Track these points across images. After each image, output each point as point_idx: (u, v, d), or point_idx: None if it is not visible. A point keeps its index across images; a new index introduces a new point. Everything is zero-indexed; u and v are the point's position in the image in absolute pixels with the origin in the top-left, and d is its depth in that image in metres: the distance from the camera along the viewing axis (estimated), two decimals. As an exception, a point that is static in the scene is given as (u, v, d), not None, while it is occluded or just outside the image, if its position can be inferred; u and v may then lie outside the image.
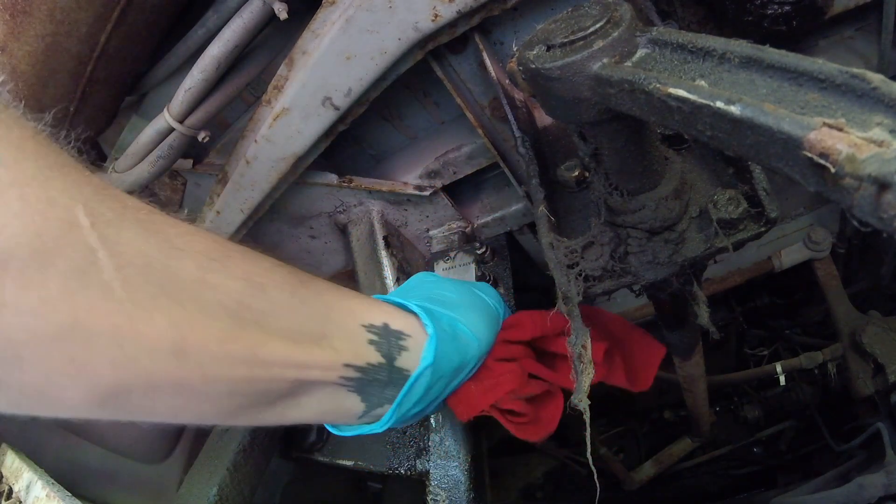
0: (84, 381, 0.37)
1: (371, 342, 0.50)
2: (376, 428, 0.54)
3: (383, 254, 1.05)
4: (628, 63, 0.39)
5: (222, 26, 0.78)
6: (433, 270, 1.06)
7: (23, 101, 0.78)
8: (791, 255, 1.27)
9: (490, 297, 0.69)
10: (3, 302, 0.32)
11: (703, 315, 0.71)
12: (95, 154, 1.19)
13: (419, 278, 0.72)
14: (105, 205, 0.37)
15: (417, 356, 0.53)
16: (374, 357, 0.50)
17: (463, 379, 0.60)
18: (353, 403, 0.51)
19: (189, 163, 1.09)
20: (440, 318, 0.57)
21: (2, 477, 0.95)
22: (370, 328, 0.51)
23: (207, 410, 0.44)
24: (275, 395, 0.46)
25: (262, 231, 1.15)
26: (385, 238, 1.06)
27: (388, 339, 0.52)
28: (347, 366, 0.48)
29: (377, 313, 0.53)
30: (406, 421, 0.57)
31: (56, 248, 0.34)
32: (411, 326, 0.55)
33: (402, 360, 0.52)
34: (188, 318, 0.39)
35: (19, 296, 0.33)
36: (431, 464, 0.87)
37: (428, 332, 0.55)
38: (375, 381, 0.51)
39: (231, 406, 0.44)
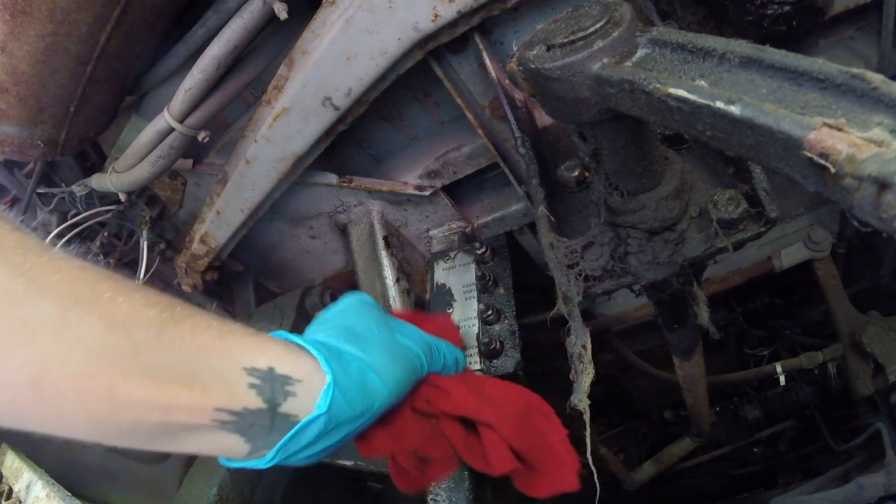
0: None
1: (252, 385, 0.48)
2: (261, 464, 0.51)
3: (383, 254, 1.05)
4: (628, 63, 0.39)
5: (222, 26, 0.78)
6: (434, 270, 1.06)
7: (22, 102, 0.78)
8: (791, 255, 1.27)
9: (415, 344, 0.63)
10: None
11: (703, 315, 0.71)
12: (95, 154, 1.19)
13: (348, 303, 0.65)
14: None
15: (309, 402, 0.51)
16: (254, 402, 0.48)
17: (367, 422, 0.57)
18: (236, 443, 0.49)
19: (189, 163, 1.09)
20: (348, 363, 0.54)
21: (2, 477, 0.95)
22: (252, 371, 0.49)
23: (81, 436, 0.46)
24: (146, 433, 0.46)
25: (262, 231, 1.15)
26: (385, 238, 1.06)
27: (271, 384, 0.49)
28: (220, 409, 0.47)
29: (263, 356, 0.50)
30: (302, 461, 0.54)
31: None
32: (304, 370, 0.51)
33: (289, 406, 0.50)
34: (46, 354, 0.41)
35: None
36: (431, 464, 0.87)
37: (326, 379, 0.51)
38: (256, 425, 0.49)
39: (101, 437, 0.46)
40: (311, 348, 0.53)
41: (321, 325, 0.61)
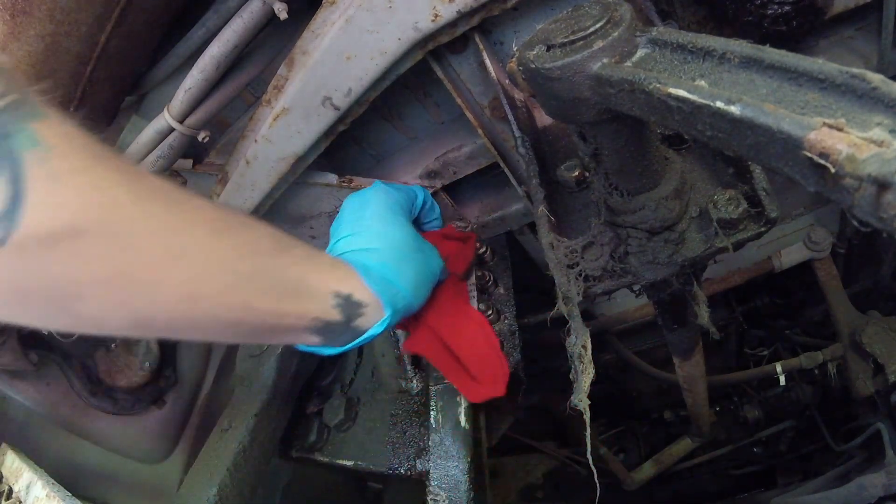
0: (125, 314, 0.52)
1: (336, 305, 0.66)
2: (331, 352, 0.71)
3: (383, 254, 1.05)
4: (628, 63, 0.39)
5: (222, 26, 0.78)
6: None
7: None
8: (791, 255, 1.27)
9: (432, 254, 0.84)
10: (74, 257, 0.45)
11: (703, 315, 0.71)
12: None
13: (378, 210, 0.82)
14: (137, 184, 0.50)
15: (371, 320, 0.70)
16: (337, 316, 0.66)
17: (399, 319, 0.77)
18: (316, 339, 0.68)
19: (189, 163, 1.09)
20: (395, 299, 0.72)
21: (2, 477, 0.95)
22: (337, 295, 0.66)
23: (209, 335, 0.62)
24: (261, 331, 0.63)
25: (262, 231, 1.15)
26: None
27: (349, 306, 0.67)
28: (315, 318, 0.64)
29: (346, 284, 0.67)
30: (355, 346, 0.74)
31: (108, 221, 0.46)
32: (370, 299, 0.69)
33: (358, 322, 0.69)
34: (199, 275, 0.53)
35: (86, 255, 0.46)
36: (431, 464, 0.87)
37: (385, 313, 0.70)
38: (335, 331, 0.67)
39: (226, 334, 0.62)
40: (376, 288, 0.69)
41: (360, 235, 0.78)
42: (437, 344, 0.84)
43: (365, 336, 0.70)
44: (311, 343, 0.69)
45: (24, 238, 0.43)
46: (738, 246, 0.57)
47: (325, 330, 0.67)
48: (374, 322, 0.70)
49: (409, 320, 0.85)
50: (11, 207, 0.42)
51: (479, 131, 0.86)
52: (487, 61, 0.76)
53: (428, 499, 0.84)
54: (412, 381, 1.09)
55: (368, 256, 0.74)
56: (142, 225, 0.49)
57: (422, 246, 0.82)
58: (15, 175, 0.42)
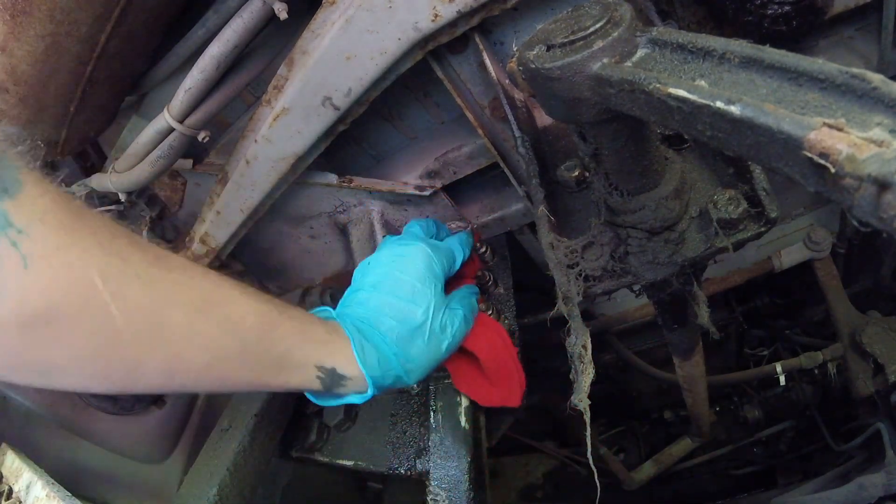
0: (108, 385, 0.55)
1: (318, 377, 0.67)
2: (313, 399, 0.73)
3: (383, 254, 1.05)
4: (628, 63, 0.39)
5: (222, 26, 0.78)
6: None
7: (24, 111, 0.78)
8: (791, 255, 1.27)
9: (453, 321, 0.80)
10: (51, 340, 0.47)
11: (703, 315, 0.71)
12: (95, 154, 1.19)
13: (404, 276, 0.78)
14: (113, 265, 0.50)
15: (352, 390, 0.71)
16: (318, 387, 0.68)
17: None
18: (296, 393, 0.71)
19: (189, 163, 1.09)
20: (385, 377, 0.72)
21: (2, 477, 0.95)
22: (321, 368, 0.67)
23: (194, 392, 0.63)
24: (243, 392, 0.65)
25: (262, 231, 1.15)
26: (388, 236, 1.06)
27: (332, 377, 0.68)
28: (296, 387, 0.67)
29: (330, 358, 0.68)
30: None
31: (82, 305, 0.47)
32: (355, 373, 0.69)
33: (340, 390, 0.70)
34: (177, 355, 0.55)
35: (63, 338, 0.47)
36: (431, 464, 0.87)
37: (368, 391, 0.71)
38: (315, 393, 0.71)
39: (210, 392, 0.62)
40: (367, 367, 0.69)
41: (383, 295, 0.76)
42: (473, 374, 0.85)
43: (345, 401, 0.72)
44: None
45: (0, 322, 0.44)
46: (738, 246, 0.57)
47: (306, 392, 0.71)
48: (356, 392, 0.72)
49: None
50: None
51: (479, 131, 0.86)
52: (487, 61, 0.76)
53: (428, 499, 0.84)
54: (412, 381, 1.09)
55: (377, 329, 0.73)
56: (117, 307, 0.49)
57: (445, 324, 0.78)
58: None
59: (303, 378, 0.66)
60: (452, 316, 0.79)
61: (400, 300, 0.75)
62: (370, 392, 0.71)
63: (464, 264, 0.92)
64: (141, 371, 0.53)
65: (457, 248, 0.89)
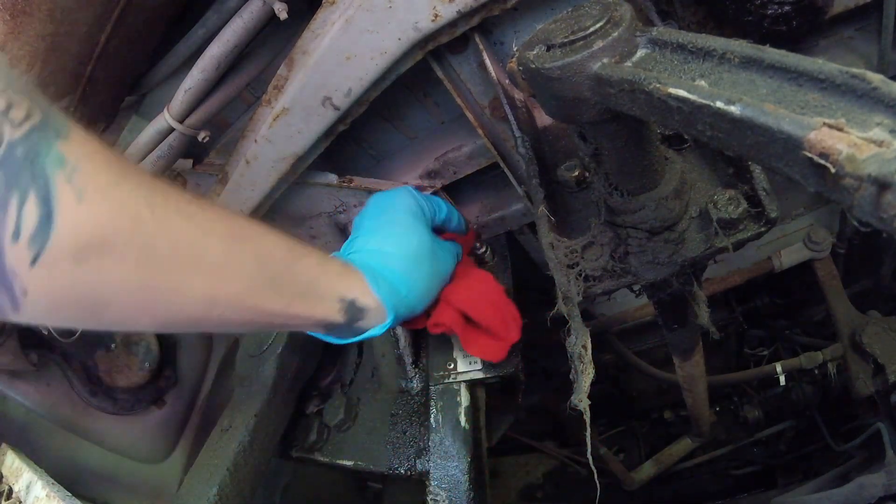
0: (148, 318, 0.57)
1: (341, 309, 0.71)
2: (338, 341, 0.77)
3: (383, 254, 1.05)
4: (628, 63, 0.39)
5: (222, 26, 0.78)
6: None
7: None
8: (791, 255, 1.27)
9: (446, 253, 0.87)
10: (102, 270, 0.49)
11: (703, 315, 0.71)
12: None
13: (399, 216, 0.84)
14: (157, 199, 0.53)
15: (373, 322, 0.74)
16: (340, 319, 0.71)
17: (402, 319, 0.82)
18: (320, 332, 0.74)
19: (189, 163, 1.09)
20: (398, 290, 0.76)
21: (2, 477, 0.95)
22: (342, 300, 0.71)
23: (222, 330, 0.67)
24: (271, 326, 0.69)
25: (262, 231, 1.15)
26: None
27: (353, 310, 0.72)
28: (320, 319, 0.70)
29: (351, 290, 0.72)
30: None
31: (132, 235, 0.50)
32: (374, 304, 0.73)
33: (360, 324, 0.74)
34: (216, 282, 0.58)
35: (112, 267, 0.50)
36: (431, 464, 0.87)
37: (388, 317, 0.75)
38: (338, 329, 0.74)
39: (239, 328, 0.66)
40: (381, 295, 0.74)
41: (378, 235, 0.81)
42: (457, 315, 0.87)
43: (366, 335, 0.76)
44: (316, 332, 0.75)
45: (56, 253, 0.46)
46: (738, 246, 0.57)
47: (329, 328, 0.73)
48: (376, 324, 0.75)
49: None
50: (44, 225, 0.45)
51: (479, 131, 0.86)
52: (487, 61, 0.76)
53: (428, 499, 0.84)
54: (412, 381, 1.09)
55: (381, 260, 0.78)
56: (162, 237, 0.53)
57: (435, 250, 0.84)
58: (46, 195, 0.45)
59: (327, 310, 0.70)
60: (443, 246, 0.87)
61: (396, 234, 0.81)
62: (390, 320, 0.75)
63: (457, 232, 0.97)
64: (183, 300, 0.56)
65: (441, 201, 0.94)
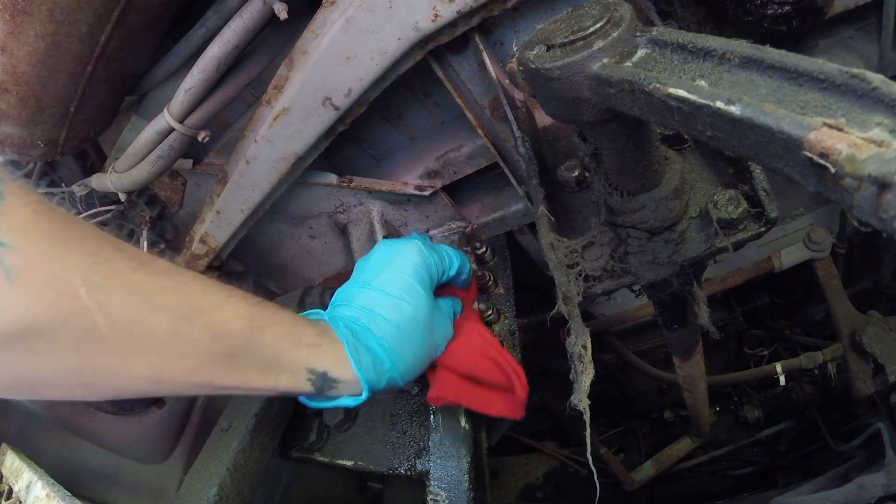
0: (97, 393, 0.55)
1: (309, 380, 0.66)
2: (307, 402, 0.71)
3: (383, 254, 1.05)
4: (628, 63, 0.39)
5: (222, 26, 0.78)
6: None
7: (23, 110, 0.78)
8: (791, 255, 1.27)
9: (442, 322, 0.79)
10: (34, 355, 0.47)
11: (703, 315, 0.71)
12: (95, 154, 1.19)
13: (399, 278, 0.76)
14: (97, 272, 0.49)
15: (346, 392, 0.69)
16: (309, 389, 0.67)
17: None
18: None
19: (189, 163, 1.09)
20: (379, 379, 0.70)
21: (2, 477, 0.95)
22: (312, 371, 0.66)
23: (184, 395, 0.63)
24: (234, 393, 0.65)
25: (262, 231, 1.15)
26: (385, 238, 1.06)
27: (323, 380, 0.67)
28: (285, 390, 0.65)
29: (324, 361, 0.66)
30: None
31: (66, 317, 0.47)
32: (347, 375, 0.68)
33: (331, 393, 0.69)
34: (162, 363, 0.55)
35: (46, 351, 0.47)
36: (431, 464, 0.87)
37: (363, 393, 0.69)
38: (308, 395, 0.69)
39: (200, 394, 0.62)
40: (360, 369, 0.68)
41: (375, 292, 0.74)
42: (462, 385, 0.80)
43: (338, 403, 0.70)
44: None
45: None
46: (738, 246, 0.57)
47: (297, 395, 0.69)
48: (349, 394, 0.70)
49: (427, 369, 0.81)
50: None
51: (479, 131, 0.86)
52: (487, 61, 0.76)
53: (428, 499, 0.84)
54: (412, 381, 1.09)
55: (368, 323, 0.72)
56: (101, 316, 0.49)
57: (433, 319, 0.77)
58: None
59: (292, 381, 0.65)
60: (441, 312, 0.79)
61: (393, 296, 0.73)
62: (365, 395, 0.70)
63: (461, 287, 0.89)
64: (127, 378, 0.53)
65: (454, 253, 0.85)
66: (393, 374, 0.71)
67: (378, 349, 0.70)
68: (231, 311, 0.60)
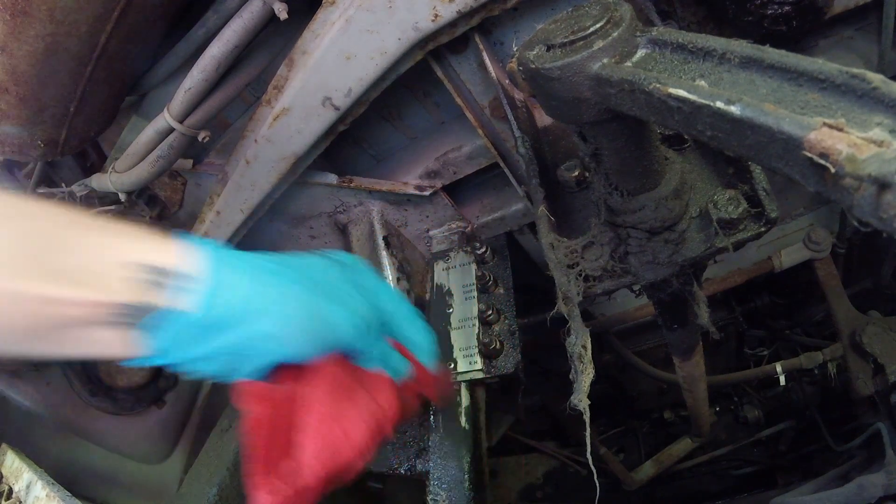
0: None
1: (135, 279, 0.49)
2: (155, 361, 0.52)
3: (383, 254, 1.05)
4: (628, 63, 0.39)
5: (222, 26, 0.78)
6: (434, 270, 1.06)
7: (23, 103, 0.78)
8: (791, 255, 1.27)
9: (358, 321, 0.58)
10: None
11: (703, 315, 0.71)
12: (95, 154, 1.19)
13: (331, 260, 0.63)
14: None
15: (179, 298, 0.50)
16: (132, 293, 0.49)
17: (244, 353, 0.54)
18: (116, 339, 0.51)
19: (189, 163, 1.09)
20: (237, 287, 0.53)
21: (2, 477, 0.95)
22: (125, 266, 0.49)
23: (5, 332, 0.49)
24: (42, 330, 0.49)
25: (262, 231, 1.15)
26: (385, 238, 1.06)
27: (149, 275, 0.50)
28: (96, 302, 0.48)
29: (149, 254, 0.51)
30: (200, 366, 0.54)
31: None
32: (190, 266, 0.51)
33: (160, 301, 0.50)
34: None
35: None
36: (431, 464, 0.87)
37: (209, 282, 0.51)
38: (129, 318, 0.50)
39: (21, 333, 0.49)
40: (211, 250, 0.53)
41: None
42: (273, 411, 0.58)
43: (173, 314, 0.50)
44: (125, 346, 0.51)
45: None
46: (738, 246, 0.57)
47: (130, 321, 0.50)
48: (185, 307, 0.50)
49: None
50: None
51: (479, 131, 0.86)
52: (487, 61, 0.76)
53: (428, 499, 0.84)
54: (412, 381, 1.09)
55: (246, 257, 0.56)
56: None
57: (353, 289, 0.60)
58: None
59: (111, 284, 0.49)
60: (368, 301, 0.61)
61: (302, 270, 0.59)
62: (207, 303, 0.50)
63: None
64: None
65: (417, 322, 0.66)
66: (254, 298, 0.52)
67: (240, 262, 0.54)
68: (52, 215, 0.51)
